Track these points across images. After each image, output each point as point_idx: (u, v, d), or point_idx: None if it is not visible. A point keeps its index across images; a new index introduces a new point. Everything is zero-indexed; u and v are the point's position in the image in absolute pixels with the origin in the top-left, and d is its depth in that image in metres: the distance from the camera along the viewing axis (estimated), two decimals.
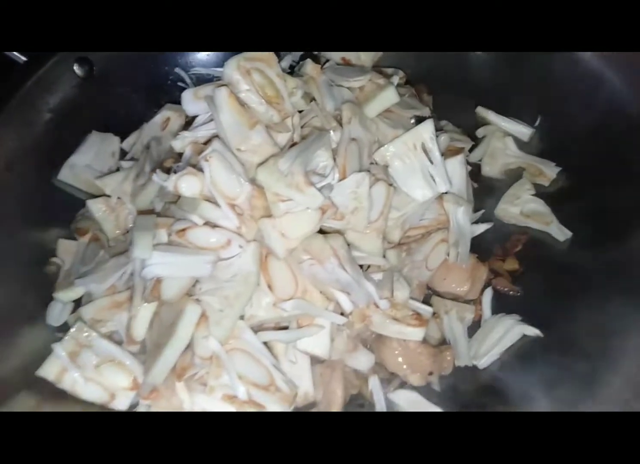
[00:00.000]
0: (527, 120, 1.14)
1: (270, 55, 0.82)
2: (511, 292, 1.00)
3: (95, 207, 0.99)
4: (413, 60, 1.20)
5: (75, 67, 1.06)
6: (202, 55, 1.22)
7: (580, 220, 1.01)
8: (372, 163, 0.91)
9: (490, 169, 1.12)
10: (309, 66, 0.94)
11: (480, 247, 1.01)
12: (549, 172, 1.08)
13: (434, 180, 0.90)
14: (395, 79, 0.98)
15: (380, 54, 1.13)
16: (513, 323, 0.96)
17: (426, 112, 1.00)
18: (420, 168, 0.90)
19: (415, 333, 0.86)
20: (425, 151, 0.90)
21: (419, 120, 0.98)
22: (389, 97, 0.92)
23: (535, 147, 1.12)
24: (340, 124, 0.90)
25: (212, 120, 0.83)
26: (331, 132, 0.88)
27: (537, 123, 1.12)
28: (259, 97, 0.79)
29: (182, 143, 0.83)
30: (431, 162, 0.90)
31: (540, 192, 1.07)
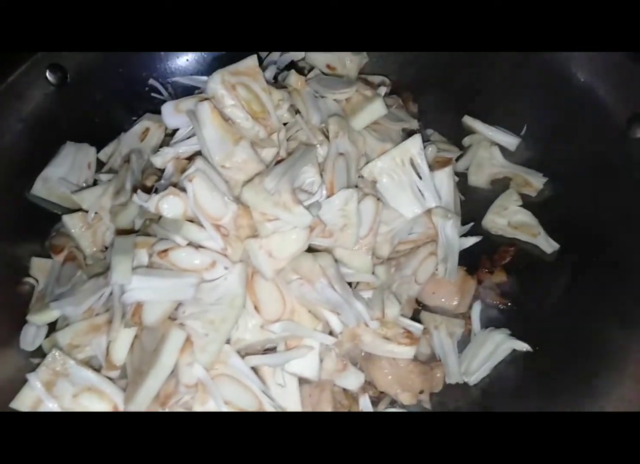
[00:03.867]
0: (512, 129, 1.12)
1: (255, 69, 0.79)
2: (500, 305, 0.99)
3: (72, 223, 0.95)
4: (398, 67, 1.18)
5: (48, 74, 1.01)
6: (181, 62, 1.18)
7: (567, 231, 1.00)
8: (359, 177, 0.89)
9: (477, 179, 1.11)
10: (293, 77, 0.90)
11: (467, 259, 1.00)
12: (536, 182, 1.07)
13: (422, 195, 0.89)
14: (382, 90, 0.95)
15: (365, 60, 1.10)
16: (503, 338, 0.95)
17: (415, 124, 0.98)
18: (409, 183, 0.88)
19: (407, 352, 0.85)
20: (413, 166, 0.88)
21: (407, 132, 0.96)
22: (376, 109, 0.90)
23: (522, 156, 1.11)
24: (327, 137, 0.87)
25: (194, 134, 0.79)
26: (318, 146, 0.86)
27: (523, 132, 1.11)
28: (244, 112, 0.76)
29: (163, 159, 0.79)
30: (420, 177, 0.88)
31: (527, 203, 1.06)
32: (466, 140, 1.14)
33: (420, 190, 0.88)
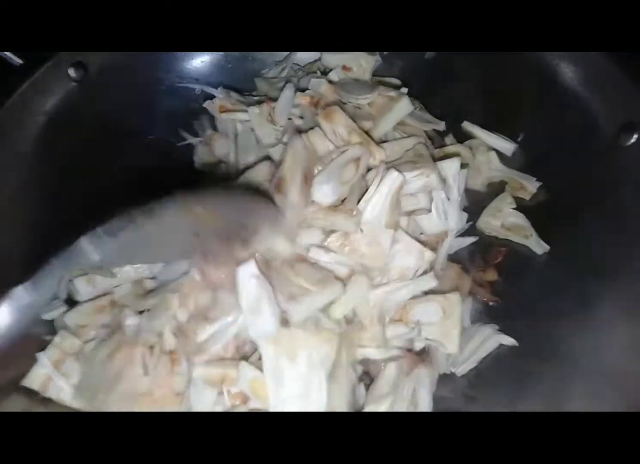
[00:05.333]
0: (509, 135, 1.17)
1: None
2: (490, 302, 1.05)
3: None
4: (397, 71, 1.20)
5: (70, 71, 1.04)
6: (197, 63, 1.22)
7: (558, 234, 1.06)
8: None
9: (474, 182, 1.15)
10: (324, 86, 0.94)
11: (462, 258, 1.06)
12: (530, 186, 1.12)
13: (445, 215, 0.93)
14: (405, 90, 0.98)
15: (379, 61, 1.13)
16: (491, 333, 1.00)
17: (441, 125, 1.01)
18: (436, 200, 0.92)
19: None
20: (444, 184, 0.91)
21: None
22: (404, 107, 0.93)
23: (518, 161, 1.16)
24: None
25: None
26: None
27: (519, 138, 1.16)
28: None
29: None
30: (448, 198, 0.92)
31: (521, 206, 1.11)
32: (465, 145, 1.18)
33: (444, 210, 0.93)
